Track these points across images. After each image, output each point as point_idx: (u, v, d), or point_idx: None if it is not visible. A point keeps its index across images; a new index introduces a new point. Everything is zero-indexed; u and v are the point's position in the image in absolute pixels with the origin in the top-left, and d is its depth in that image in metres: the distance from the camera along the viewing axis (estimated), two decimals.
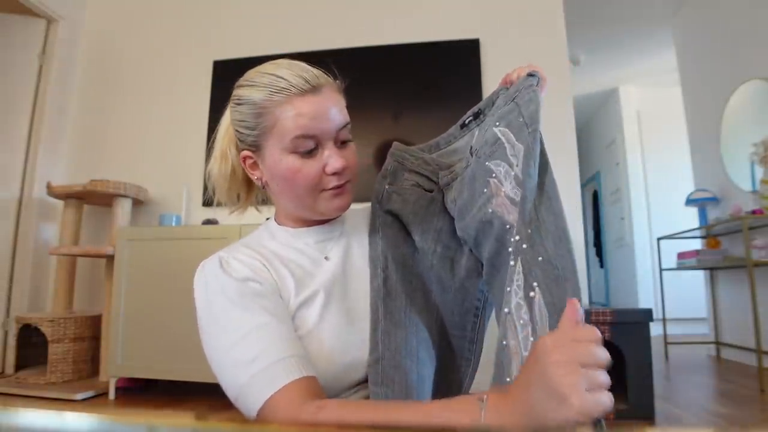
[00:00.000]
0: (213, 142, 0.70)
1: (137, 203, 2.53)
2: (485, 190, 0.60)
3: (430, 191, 0.70)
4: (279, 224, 0.68)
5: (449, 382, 0.65)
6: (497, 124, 0.63)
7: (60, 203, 2.51)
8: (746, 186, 2.71)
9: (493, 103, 0.73)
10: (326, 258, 0.66)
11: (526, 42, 2.45)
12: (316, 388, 0.51)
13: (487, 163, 0.61)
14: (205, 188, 2.85)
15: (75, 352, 2.18)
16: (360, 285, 0.65)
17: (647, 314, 1.72)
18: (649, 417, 1.66)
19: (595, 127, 5.54)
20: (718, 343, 3.00)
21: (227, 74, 2.69)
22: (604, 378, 0.36)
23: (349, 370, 0.59)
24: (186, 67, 2.74)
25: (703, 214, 2.99)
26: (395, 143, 0.76)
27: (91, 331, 2.27)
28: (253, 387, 0.50)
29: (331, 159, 0.60)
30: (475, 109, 0.77)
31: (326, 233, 0.68)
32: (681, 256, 3.01)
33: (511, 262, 0.52)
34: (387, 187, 0.71)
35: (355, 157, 0.64)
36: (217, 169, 0.68)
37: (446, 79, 2.44)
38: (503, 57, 2.45)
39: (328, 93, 0.61)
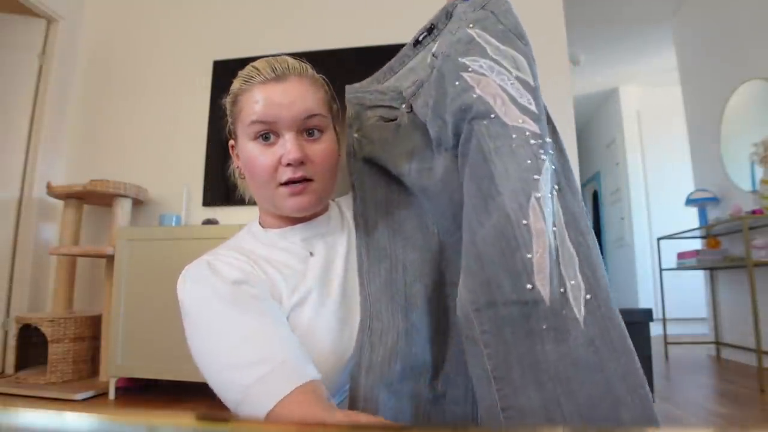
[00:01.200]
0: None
1: (137, 203, 2.53)
2: (456, 83, 0.56)
3: (393, 119, 0.66)
4: (262, 226, 0.67)
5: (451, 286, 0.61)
6: (470, 26, 0.58)
7: (60, 203, 2.51)
8: (746, 186, 2.71)
9: (450, 15, 0.67)
10: (311, 254, 0.64)
11: None
12: (323, 389, 0.51)
13: (460, 59, 0.56)
14: (205, 188, 2.84)
15: (75, 352, 2.18)
16: (350, 275, 0.63)
17: (647, 314, 1.72)
18: None
19: (595, 127, 5.54)
20: (718, 343, 3.00)
21: (227, 74, 2.69)
22: None
23: (346, 368, 0.58)
24: (186, 67, 2.74)
25: (703, 214, 2.99)
26: (347, 86, 0.72)
27: (91, 331, 2.27)
28: (261, 389, 0.48)
29: (287, 147, 0.57)
30: (427, 24, 0.72)
31: (311, 230, 0.66)
32: (681, 256, 3.01)
33: (543, 157, 0.50)
34: (355, 135, 0.67)
35: (324, 155, 0.60)
36: (236, 165, 0.70)
37: None
38: None
39: (294, 82, 0.60)
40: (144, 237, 2.10)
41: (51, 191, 2.36)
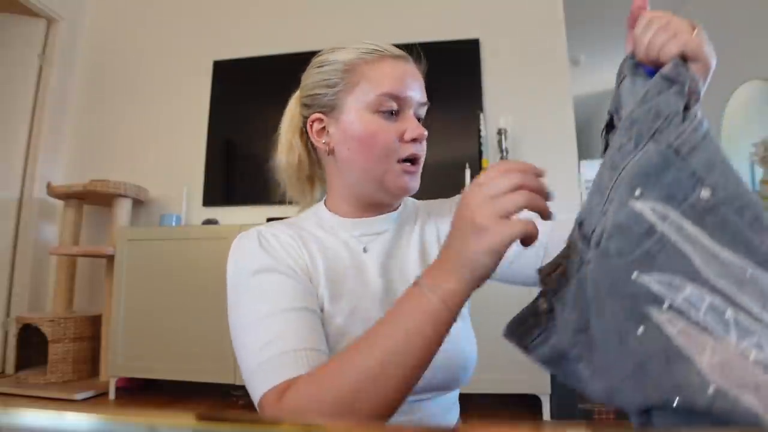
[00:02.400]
0: (278, 135, 0.69)
1: (137, 203, 2.53)
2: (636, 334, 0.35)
3: None
4: (329, 209, 0.65)
5: None
6: (639, 194, 0.36)
7: (60, 203, 2.51)
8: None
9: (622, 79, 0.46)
10: (364, 250, 0.62)
11: (526, 42, 2.45)
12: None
13: (637, 273, 0.35)
14: (205, 188, 2.84)
15: (75, 352, 2.18)
16: (406, 284, 0.61)
17: None
18: None
19: (595, 127, 5.55)
20: None
21: (227, 74, 2.70)
22: (513, 201, 0.40)
23: None
24: (186, 67, 2.74)
25: None
26: None
27: (91, 331, 2.27)
28: (258, 376, 0.48)
29: (411, 126, 0.58)
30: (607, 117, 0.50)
31: (374, 226, 0.63)
32: None
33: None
34: None
35: (426, 142, 0.62)
36: (285, 160, 0.67)
37: (446, 79, 2.44)
38: (503, 57, 2.45)
39: (416, 68, 0.62)
40: (144, 237, 2.10)
41: (51, 191, 2.36)
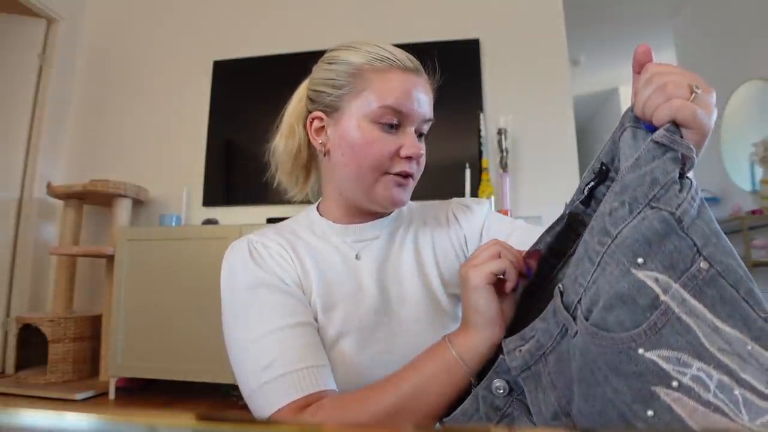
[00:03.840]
0: (281, 118, 0.67)
1: (137, 203, 2.53)
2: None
3: None
4: (321, 214, 0.65)
5: None
6: (640, 263, 0.35)
7: (60, 203, 2.51)
8: (746, 186, 2.71)
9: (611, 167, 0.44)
10: (357, 257, 0.61)
11: (526, 42, 2.45)
12: (330, 398, 0.50)
13: (641, 351, 0.34)
14: (205, 188, 2.82)
15: (75, 352, 2.18)
16: (401, 290, 0.61)
17: None
18: None
19: (595, 127, 5.54)
20: None
21: (227, 74, 2.70)
22: (482, 256, 0.47)
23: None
24: (186, 67, 2.74)
25: None
26: None
27: (91, 331, 2.27)
28: (260, 397, 0.49)
29: (409, 141, 0.57)
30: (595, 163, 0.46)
31: (366, 233, 0.63)
32: None
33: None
34: None
35: (424, 157, 0.61)
36: (283, 145, 0.66)
37: (446, 79, 2.44)
38: (503, 57, 2.45)
39: (425, 82, 0.61)
40: (144, 237, 2.10)
41: (51, 191, 2.36)
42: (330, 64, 0.59)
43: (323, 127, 0.60)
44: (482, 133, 2.27)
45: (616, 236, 0.36)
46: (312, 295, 0.57)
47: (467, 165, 2.24)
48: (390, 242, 0.64)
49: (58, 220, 2.57)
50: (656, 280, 0.33)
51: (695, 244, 0.33)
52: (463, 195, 2.19)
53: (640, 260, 0.34)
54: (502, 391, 0.43)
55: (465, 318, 0.49)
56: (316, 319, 0.57)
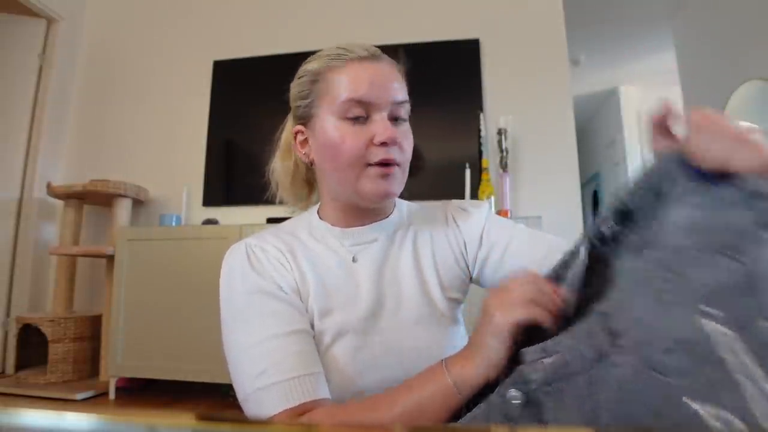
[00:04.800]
0: (277, 139, 0.69)
1: (137, 203, 2.53)
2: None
3: None
4: (320, 216, 0.65)
5: None
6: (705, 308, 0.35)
7: (60, 203, 2.51)
8: None
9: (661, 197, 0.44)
10: (354, 260, 0.61)
11: (526, 42, 2.45)
12: (323, 407, 0.51)
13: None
14: (205, 188, 2.83)
15: (75, 352, 2.18)
16: (399, 293, 0.60)
17: None
18: None
19: (595, 127, 5.54)
20: None
21: (227, 74, 2.70)
22: (515, 297, 0.45)
23: (364, 392, 0.55)
24: (186, 67, 2.74)
25: None
26: None
27: (91, 331, 2.26)
28: (254, 403, 0.50)
29: (380, 128, 0.55)
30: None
31: (365, 236, 0.63)
32: None
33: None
34: None
35: (408, 141, 0.59)
36: (280, 164, 0.67)
37: (446, 79, 2.44)
38: (503, 57, 2.45)
39: (387, 64, 0.59)
40: (144, 237, 2.10)
41: (51, 191, 2.36)
42: (298, 78, 0.62)
43: (306, 138, 0.62)
44: (482, 133, 2.27)
45: (683, 277, 0.35)
46: (309, 301, 0.58)
47: (467, 165, 2.23)
48: (388, 245, 0.63)
49: (58, 220, 2.57)
50: (724, 334, 0.33)
51: (764, 305, 0.32)
52: (463, 195, 2.19)
53: (709, 309, 0.33)
54: (518, 401, 0.42)
55: (470, 345, 0.48)
56: (312, 325, 0.57)
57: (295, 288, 0.58)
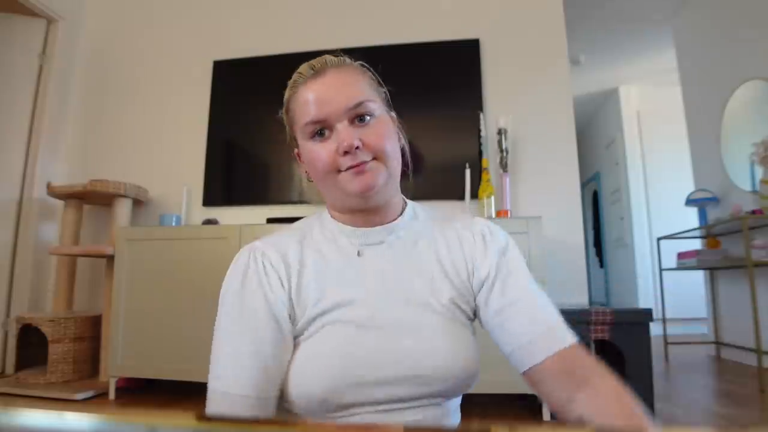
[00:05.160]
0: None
1: (137, 203, 2.53)
2: None
3: None
4: (331, 216, 0.67)
5: None
6: None
7: (60, 203, 2.51)
8: (746, 186, 2.71)
9: None
10: (358, 254, 0.63)
11: (526, 42, 2.45)
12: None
13: None
14: (205, 188, 2.84)
15: (75, 352, 2.18)
16: (403, 293, 0.61)
17: (647, 314, 1.72)
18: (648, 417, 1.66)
19: (595, 127, 5.54)
20: (718, 343, 3.00)
21: (227, 74, 2.70)
22: None
23: (360, 387, 0.56)
24: (186, 67, 2.74)
25: (703, 214, 2.99)
26: None
27: (91, 331, 2.27)
28: (209, 396, 0.55)
29: (339, 139, 0.58)
30: None
31: (374, 236, 0.64)
32: (681, 256, 3.01)
33: None
34: None
35: (378, 136, 0.59)
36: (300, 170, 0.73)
37: (446, 79, 2.44)
38: (503, 57, 2.45)
39: (333, 74, 0.60)
40: (144, 237, 2.10)
41: (51, 191, 2.36)
42: (282, 108, 0.67)
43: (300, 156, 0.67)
44: (482, 133, 2.27)
45: None
46: (308, 307, 0.59)
47: (467, 165, 2.24)
48: (397, 247, 0.64)
49: (58, 220, 2.57)
50: None
51: None
52: (463, 195, 2.19)
53: None
54: None
55: None
56: (305, 325, 0.59)
57: (286, 300, 0.60)
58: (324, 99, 0.58)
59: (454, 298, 0.61)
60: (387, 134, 0.61)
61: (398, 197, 0.67)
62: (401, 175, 0.66)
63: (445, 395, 0.59)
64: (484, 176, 2.18)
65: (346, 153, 0.57)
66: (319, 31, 2.62)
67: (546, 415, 1.70)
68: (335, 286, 0.61)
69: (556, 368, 0.54)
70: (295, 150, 0.67)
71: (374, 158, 0.59)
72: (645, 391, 1.68)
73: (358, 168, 0.58)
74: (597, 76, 4.45)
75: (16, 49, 2.67)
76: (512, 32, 2.47)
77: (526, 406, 1.85)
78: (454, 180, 2.26)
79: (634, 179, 4.55)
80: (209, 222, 2.26)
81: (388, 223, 0.65)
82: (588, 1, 3.24)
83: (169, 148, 2.66)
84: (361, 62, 0.66)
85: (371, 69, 0.67)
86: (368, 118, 0.60)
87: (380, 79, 0.68)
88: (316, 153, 0.59)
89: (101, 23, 2.92)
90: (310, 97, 0.59)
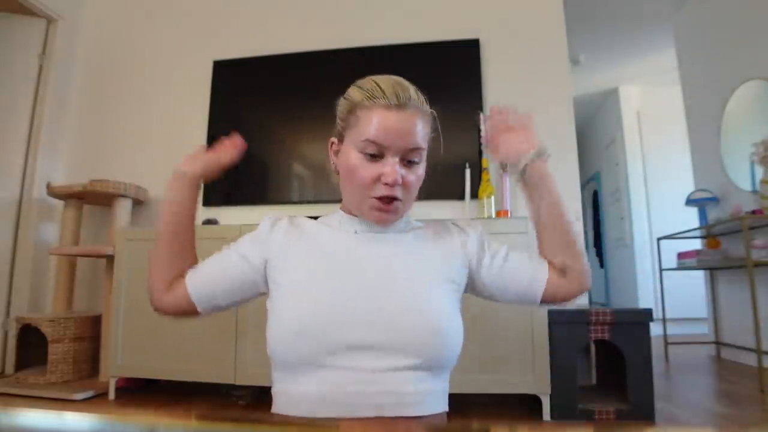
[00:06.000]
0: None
1: (137, 203, 2.53)
2: None
3: None
4: (344, 211, 0.75)
5: None
6: None
7: (60, 203, 2.51)
8: (746, 186, 2.71)
9: None
10: (355, 232, 0.71)
11: (526, 42, 2.45)
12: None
13: None
14: (206, 188, 2.86)
15: (75, 352, 2.18)
16: (394, 270, 0.68)
17: (647, 314, 1.72)
18: (649, 417, 1.66)
19: (595, 127, 5.54)
20: (718, 343, 3.00)
21: (227, 74, 2.70)
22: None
23: (334, 325, 0.60)
24: (186, 67, 2.74)
25: (703, 214, 2.99)
26: None
27: (91, 331, 2.27)
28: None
29: (388, 170, 0.64)
30: None
31: (378, 230, 0.72)
32: (681, 256, 3.01)
33: None
34: None
35: (415, 181, 0.68)
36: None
37: (446, 79, 2.44)
38: (503, 57, 2.45)
39: (411, 114, 0.66)
40: (144, 237, 2.10)
41: (51, 191, 2.36)
42: (344, 99, 0.71)
43: (337, 150, 0.72)
44: (482, 133, 2.27)
45: None
46: (297, 268, 0.68)
47: (467, 165, 2.24)
48: (395, 237, 0.72)
49: (58, 220, 2.57)
50: None
51: None
52: (463, 195, 2.19)
53: None
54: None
55: None
56: (268, 277, 0.70)
57: (264, 256, 0.71)
58: (394, 133, 0.64)
59: (442, 271, 0.69)
60: (420, 181, 0.69)
61: None
62: None
63: (421, 354, 0.61)
64: (484, 176, 2.19)
65: (387, 184, 0.64)
66: (319, 31, 2.62)
67: (546, 415, 1.70)
68: (323, 252, 0.69)
69: (553, 278, 0.71)
70: (335, 141, 0.72)
71: (400, 200, 0.67)
72: (645, 391, 1.68)
73: (384, 205, 0.66)
74: (597, 76, 4.45)
75: (16, 49, 2.67)
76: (512, 32, 2.47)
77: (526, 406, 1.85)
78: (454, 180, 2.26)
79: (634, 179, 4.55)
80: (209, 222, 2.26)
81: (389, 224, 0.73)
82: (588, 1, 3.24)
83: (169, 148, 2.66)
84: (433, 110, 0.72)
85: (436, 118, 0.73)
86: (416, 163, 0.67)
87: (439, 127, 0.74)
88: (362, 169, 0.65)
89: (101, 23, 2.92)
90: (384, 124, 0.64)
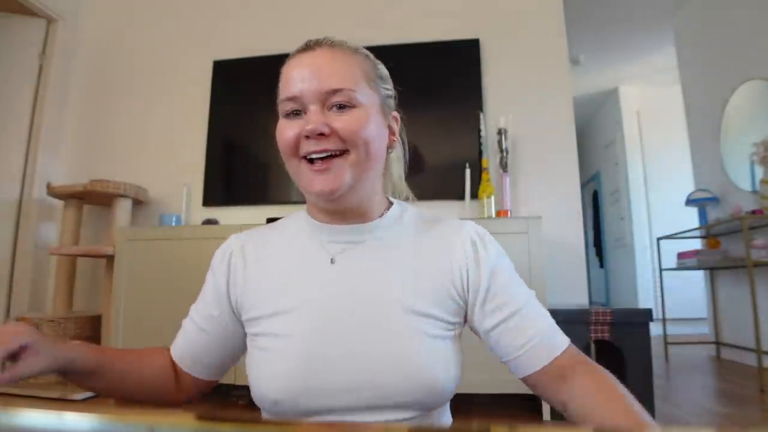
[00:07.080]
0: None
1: (137, 203, 2.53)
2: None
3: None
4: (307, 213, 0.64)
5: None
6: None
7: (60, 203, 2.51)
8: (746, 186, 2.71)
9: None
10: (331, 261, 0.59)
11: (526, 42, 2.45)
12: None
13: None
14: (205, 188, 2.84)
15: None
16: (372, 297, 0.56)
17: (647, 314, 1.72)
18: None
19: (595, 127, 5.54)
20: (718, 343, 3.00)
21: (227, 74, 2.70)
22: None
23: (316, 393, 0.53)
24: (186, 67, 2.74)
25: (703, 214, 2.99)
26: None
27: (91, 331, 2.27)
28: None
29: (307, 119, 0.53)
30: None
31: (344, 235, 0.59)
32: (681, 256, 3.01)
33: None
34: None
35: (352, 126, 0.53)
36: None
37: (446, 79, 2.44)
38: (503, 57, 2.45)
39: (322, 53, 0.55)
40: (144, 237, 2.10)
41: (51, 191, 2.36)
42: None
43: None
44: (482, 133, 2.27)
45: None
46: (262, 304, 0.60)
47: (467, 165, 2.24)
48: (376, 249, 0.59)
49: (58, 220, 2.57)
50: None
51: None
52: (463, 195, 2.19)
53: None
54: None
55: None
56: (258, 322, 0.60)
57: (224, 290, 0.66)
58: (306, 76, 0.54)
59: (430, 305, 0.56)
60: (364, 125, 0.54)
61: (378, 197, 0.62)
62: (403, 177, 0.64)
63: (413, 407, 0.54)
64: (484, 176, 2.18)
65: (307, 137, 0.53)
66: (319, 31, 2.61)
67: (546, 415, 1.70)
68: (295, 285, 0.58)
69: (550, 375, 0.54)
70: None
71: (344, 151, 0.54)
72: (645, 391, 1.68)
73: (319, 165, 0.53)
74: (597, 76, 4.45)
75: (16, 49, 2.67)
76: (512, 32, 2.47)
77: (526, 406, 1.85)
78: (454, 180, 2.26)
79: (634, 179, 4.55)
80: (209, 222, 2.26)
81: (366, 221, 0.60)
82: (588, 1, 3.24)
83: (169, 147, 2.66)
84: (368, 53, 0.60)
85: (378, 62, 0.62)
86: (347, 108, 0.54)
87: (384, 74, 0.62)
88: (281, 131, 0.55)
89: (101, 23, 2.92)
90: (291, 73, 0.55)
